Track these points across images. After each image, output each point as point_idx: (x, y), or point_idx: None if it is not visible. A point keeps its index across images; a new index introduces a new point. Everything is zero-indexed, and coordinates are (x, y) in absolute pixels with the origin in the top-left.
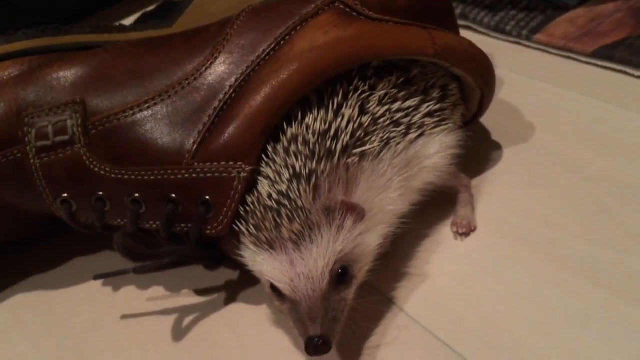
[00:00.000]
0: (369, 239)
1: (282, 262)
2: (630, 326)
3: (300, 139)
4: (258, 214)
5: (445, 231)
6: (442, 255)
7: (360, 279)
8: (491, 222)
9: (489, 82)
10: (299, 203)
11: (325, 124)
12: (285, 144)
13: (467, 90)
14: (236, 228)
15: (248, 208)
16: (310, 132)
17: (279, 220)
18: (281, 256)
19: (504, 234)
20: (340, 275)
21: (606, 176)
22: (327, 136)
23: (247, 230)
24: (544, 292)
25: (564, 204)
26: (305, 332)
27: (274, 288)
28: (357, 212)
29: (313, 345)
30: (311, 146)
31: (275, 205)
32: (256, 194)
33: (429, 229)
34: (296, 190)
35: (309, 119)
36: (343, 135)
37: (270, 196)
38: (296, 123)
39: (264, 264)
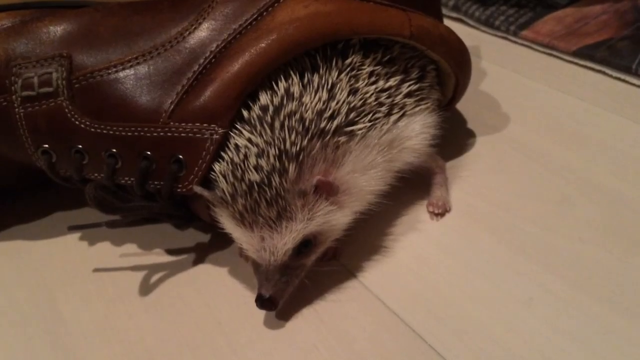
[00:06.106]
0: (340, 216)
1: (255, 239)
2: (572, 309)
3: (297, 115)
4: (242, 191)
5: (416, 210)
6: (407, 233)
7: (325, 247)
8: (456, 204)
9: (464, 69)
10: (279, 190)
11: (322, 103)
12: (281, 118)
13: (443, 76)
14: (219, 194)
15: (232, 186)
16: (309, 110)
17: (259, 202)
18: (255, 234)
19: (466, 216)
20: (303, 246)
21: (570, 168)
22: (323, 116)
23: (231, 206)
24: (495, 272)
25: (526, 191)
26: (259, 289)
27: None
28: (331, 189)
29: (261, 302)
30: (306, 124)
31: (256, 188)
32: (241, 168)
33: (401, 209)
34: (280, 171)
35: (306, 98)
36: (338, 117)
37: (254, 169)
38: (294, 101)
39: (239, 235)
